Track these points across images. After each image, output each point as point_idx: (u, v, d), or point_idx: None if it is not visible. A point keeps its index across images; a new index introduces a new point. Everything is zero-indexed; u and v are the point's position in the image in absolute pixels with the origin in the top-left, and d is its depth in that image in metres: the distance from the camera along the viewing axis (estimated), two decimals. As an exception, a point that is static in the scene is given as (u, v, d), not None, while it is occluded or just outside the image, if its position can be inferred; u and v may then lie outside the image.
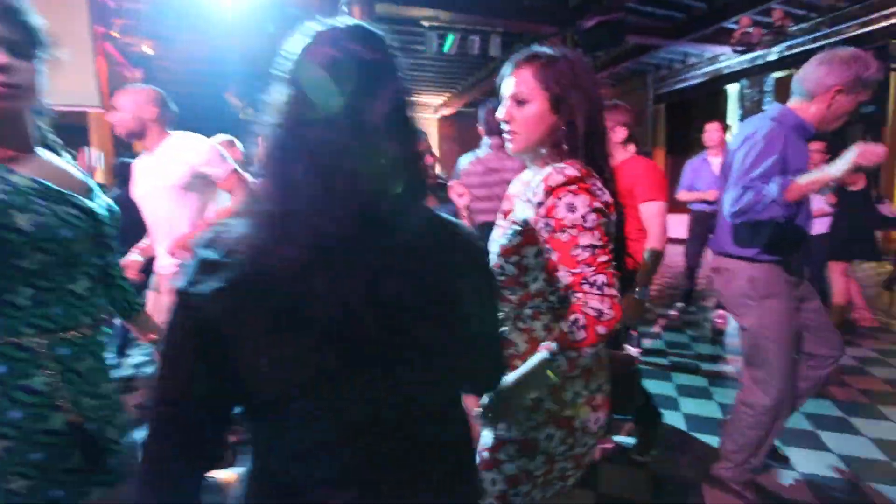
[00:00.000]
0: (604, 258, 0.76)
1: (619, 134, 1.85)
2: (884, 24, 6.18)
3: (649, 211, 1.75)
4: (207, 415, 0.49)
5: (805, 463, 1.90)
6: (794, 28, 6.88)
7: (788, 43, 7.11)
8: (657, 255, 1.74)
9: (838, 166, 1.28)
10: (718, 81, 8.30)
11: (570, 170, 0.80)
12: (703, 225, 3.63)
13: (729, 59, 8.05)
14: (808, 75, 1.47)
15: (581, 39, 6.55)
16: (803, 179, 1.32)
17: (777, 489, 1.75)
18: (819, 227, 3.22)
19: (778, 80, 7.32)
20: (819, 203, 3.26)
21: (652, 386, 2.66)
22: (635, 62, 8.62)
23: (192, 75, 7.06)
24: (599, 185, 0.81)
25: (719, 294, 1.70)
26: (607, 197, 0.80)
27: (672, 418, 2.28)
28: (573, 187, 0.78)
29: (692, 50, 8.05)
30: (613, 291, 0.75)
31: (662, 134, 9.06)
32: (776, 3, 5.64)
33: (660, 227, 1.74)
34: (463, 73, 8.89)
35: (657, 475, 1.85)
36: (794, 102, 1.52)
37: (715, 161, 3.54)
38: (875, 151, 1.21)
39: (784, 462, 1.85)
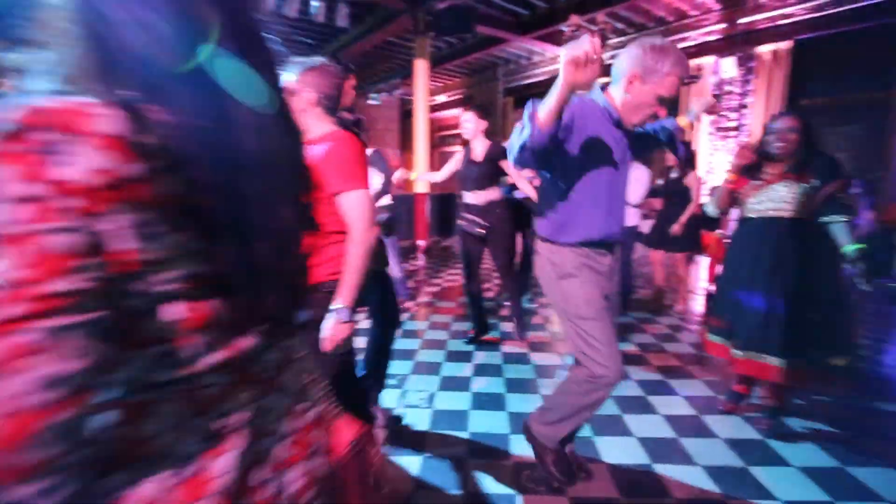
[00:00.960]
0: (15, 310, 0.31)
1: (306, 97, 1.40)
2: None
3: (350, 203, 1.34)
4: None
5: (609, 451, 1.94)
6: (615, 40, 7.78)
7: (612, 53, 8.02)
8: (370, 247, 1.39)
9: (561, 72, 1.14)
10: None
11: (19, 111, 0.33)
12: (515, 211, 3.74)
13: (566, 61, 8.79)
14: (616, 59, 1.49)
15: (432, 21, 6.41)
16: (546, 98, 1.22)
17: (581, 487, 1.73)
18: (629, 219, 3.52)
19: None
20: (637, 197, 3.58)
21: (480, 384, 2.59)
22: (487, 54, 8.86)
23: None
24: (82, 140, 0.34)
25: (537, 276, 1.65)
26: (79, 169, 0.33)
27: (496, 421, 2.19)
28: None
29: (536, 48, 8.56)
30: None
31: (511, 125, 9.53)
32: (601, 13, 6.22)
33: (366, 220, 1.35)
34: (311, 44, 8.09)
35: (472, 490, 1.70)
36: (611, 87, 1.52)
37: None
38: (579, 46, 1.09)
39: (586, 475, 1.80)
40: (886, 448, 1.99)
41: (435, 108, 11.51)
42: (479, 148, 2.95)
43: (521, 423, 1.78)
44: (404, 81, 9.62)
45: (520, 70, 9.63)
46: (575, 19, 5.42)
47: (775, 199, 2.00)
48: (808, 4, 6.17)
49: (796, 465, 1.88)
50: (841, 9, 5.90)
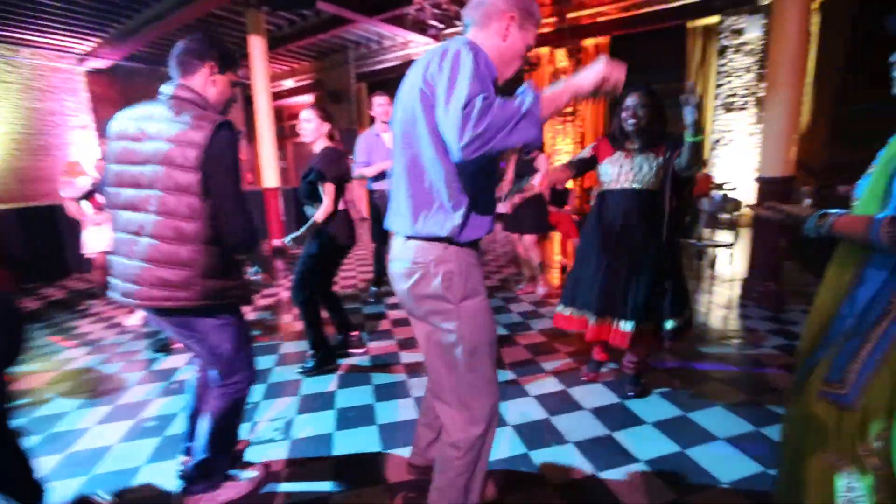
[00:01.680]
0: None
1: None
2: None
3: None
4: None
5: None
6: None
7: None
8: None
9: (587, 76, 1.03)
10: (411, 66, 8.90)
11: None
12: (386, 203, 3.57)
13: (417, 46, 8.71)
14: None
15: (265, -7, 5.69)
16: (549, 91, 1.01)
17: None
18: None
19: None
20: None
21: (347, 397, 2.29)
22: (334, 35, 8.31)
23: None
24: None
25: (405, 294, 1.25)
26: None
27: (365, 439, 1.94)
28: None
29: (386, 32, 8.29)
30: None
31: (365, 112, 9.16)
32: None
33: None
34: (115, 12, 6.59)
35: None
36: (469, 35, 1.19)
37: (387, 136, 3.49)
38: (620, 67, 1.06)
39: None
40: (714, 388, 2.27)
41: (283, 95, 10.53)
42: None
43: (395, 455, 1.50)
44: (241, 63, 8.53)
45: (371, 54, 9.27)
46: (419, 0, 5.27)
47: (634, 171, 2.01)
48: (619, 5, 7.02)
49: (650, 421, 2.00)
50: (643, 10, 6.83)
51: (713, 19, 6.37)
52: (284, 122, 11.18)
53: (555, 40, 7.59)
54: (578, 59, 7.62)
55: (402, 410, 2.14)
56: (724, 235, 4.14)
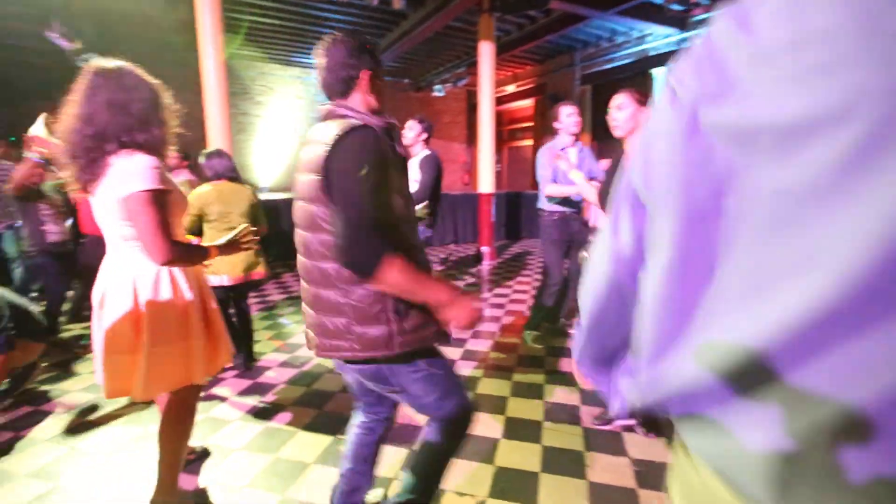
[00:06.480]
0: None
1: None
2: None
3: None
4: None
5: None
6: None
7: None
8: None
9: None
10: (646, 63, 7.83)
11: None
12: (566, 229, 2.92)
13: (657, 39, 7.61)
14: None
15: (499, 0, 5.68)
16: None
17: None
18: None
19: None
20: None
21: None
22: (561, 36, 7.93)
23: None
24: None
25: None
26: None
27: None
28: None
29: (620, 27, 7.49)
30: None
31: (589, 117, 8.49)
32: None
33: None
34: (375, 34, 7.66)
35: None
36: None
37: (573, 152, 2.79)
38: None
39: None
40: None
41: (504, 100, 10.75)
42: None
43: None
44: (470, 71, 8.98)
45: (599, 54, 8.55)
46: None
47: None
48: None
49: None
50: None
51: None
52: (503, 127, 11.44)
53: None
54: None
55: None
56: None
